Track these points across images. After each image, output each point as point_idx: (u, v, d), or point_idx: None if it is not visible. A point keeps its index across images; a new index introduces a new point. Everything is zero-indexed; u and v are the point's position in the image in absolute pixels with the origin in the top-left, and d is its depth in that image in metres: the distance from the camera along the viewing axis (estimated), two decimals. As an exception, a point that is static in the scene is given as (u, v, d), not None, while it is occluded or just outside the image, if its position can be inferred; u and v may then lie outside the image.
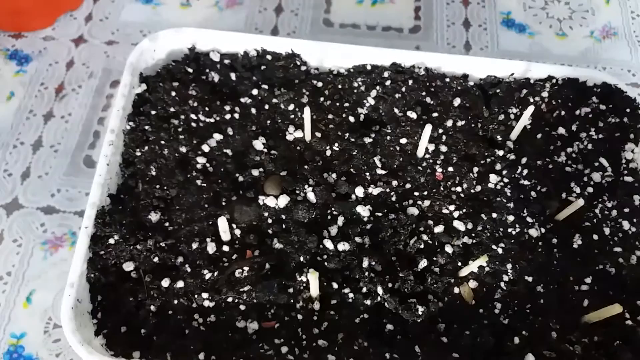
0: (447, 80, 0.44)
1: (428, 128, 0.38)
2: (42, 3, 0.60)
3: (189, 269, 0.34)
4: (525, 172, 0.41)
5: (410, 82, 0.43)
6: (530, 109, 0.40)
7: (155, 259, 0.34)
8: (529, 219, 0.39)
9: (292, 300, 0.34)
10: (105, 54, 0.61)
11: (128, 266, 0.34)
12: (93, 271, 0.33)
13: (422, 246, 0.36)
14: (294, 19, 0.63)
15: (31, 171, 0.53)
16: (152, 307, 0.33)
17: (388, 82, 0.43)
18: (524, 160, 0.41)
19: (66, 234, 0.50)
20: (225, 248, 0.35)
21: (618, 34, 0.64)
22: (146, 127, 0.38)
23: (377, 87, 0.43)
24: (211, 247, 0.35)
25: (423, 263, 0.36)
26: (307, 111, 0.37)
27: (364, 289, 0.34)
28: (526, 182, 0.40)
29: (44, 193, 0.51)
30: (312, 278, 0.32)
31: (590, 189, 0.40)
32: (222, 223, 0.33)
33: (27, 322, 0.46)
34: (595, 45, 0.63)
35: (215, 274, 0.34)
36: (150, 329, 0.32)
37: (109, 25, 0.63)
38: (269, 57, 0.43)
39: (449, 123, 0.42)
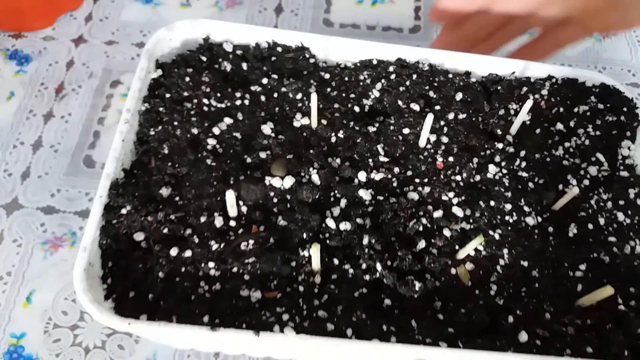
0: (450, 76, 0.46)
1: (430, 117, 0.39)
2: (42, 3, 0.60)
3: (196, 240, 0.35)
4: (523, 164, 0.42)
5: (415, 76, 0.45)
6: (529, 102, 0.41)
7: (165, 230, 0.35)
8: (526, 208, 0.40)
9: (294, 273, 0.35)
10: (105, 54, 0.60)
11: (138, 236, 0.35)
12: (105, 238, 0.34)
13: (420, 229, 0.38)
14: (294, 19, 0.64)
15: (31, 171, 0.52)
16: (160, 274, 0.34)
17: (393, 76, 0.45)
18: (522, 153, 0.43)
19: (66, 234, 0.50)
20: (232, 223, 0.36)
21: (618, 34, 0.65)
22: (160, 109, 0.40)
23: (382, 80, 0.45)
24: (219, 221, 0.36)
25: (422, 244, 0.37)
26: (313, 97, 0.39)
27: (364, 265, 0.36)
28: (524, 174, 0.42)
29: (44, 193, 0.51)
30: (314, 251, 0.33)
31: (586, 182, 0.42)
32: (230, 196, 0.35)
33: (27, 322, 0.46)
34: (595, 45, 0.64)
35: (222, 245, 0.35)
36: (157, 294, 0.33)
37: (109, 25, 0.62)
38: (279, 49, 0.45)
39: (451, 116, 0.44)
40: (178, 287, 0.34)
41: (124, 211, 0.35)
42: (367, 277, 0.35)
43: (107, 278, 0.34)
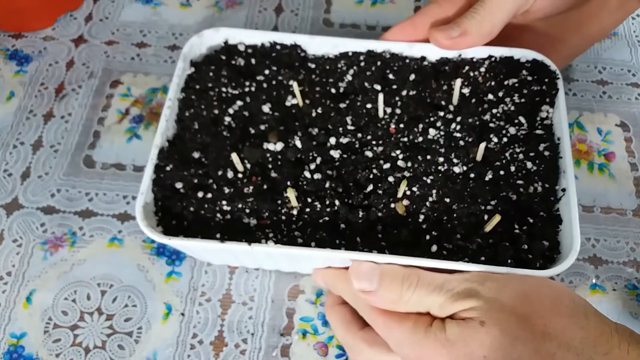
0: (407, 61, 0.59)
1: (380, 96, 0.54)
2: (42, 3, 0.59)
3: (215, 187, 0.52)
4: (458, 127, 0.55)
5: (379, 63, 0.59)
6: (459, 80, 0.55)
7: (195, 180, 0.53)
8: (455, 160, 0.54)
9: (279, 208, 0.51)
10: (105, 54, 0.61)
11: (178, 185, 0.53)
12: (155, 187, 0.52)
13: (371, 177, 0.53)
14: (294, 19, 0.67)
15: (31, 171, 0.53)
16: (191, 209, 0.51)
17: (362, 64, 0.59)
18: (458, 119, 0.56)
19: (66, 234, 0.51)
20: (239, 175, 0.53)
21: (618, 34, 0.68)
22: (192, 97, 0.57)
23: (354, 68, 0.59)
24: (230, 174, 0.53)
25: (370, 187, 0.52)
26: (295, 85, 0.55)
27: (327, 202, 0.51)
28: (457, 135, 0.55)
29: (44, 193, 0.52)
30: (290, 192, 0.50)
31: (505, 139, 0.55)
32: (235, 157, 0.51)
33: (27, 322, 0.47)
34: (596, 45, 0.67)
35: (232, 190, 0.52)
36: (189, 222, 0.51)
37: (109, 25, 0.63)
38: (278, 47, 0.61)
39: (404, 92, 0.58)
40: (202, 218, 0.51)
41: (167, 169, 0.53)
42: (328, 210, 0.51)
43: (158, 212, 0.52)
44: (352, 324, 0.49)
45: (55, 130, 0.56)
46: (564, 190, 0.51)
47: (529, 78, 0.58)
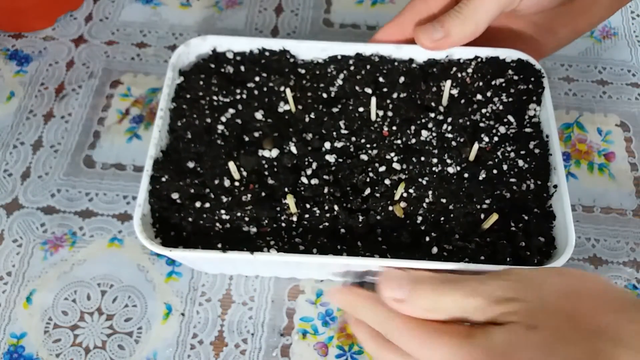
0: (396, 63, 0.60)
1: (373, 100, 0.54)
2: (42, 3, 0.60)
3: (212, 196, 0.52)
4: (449, 128, 0.56)
5: (368, 66, 0.60)
6: (449, 81, 0.55)
7: (192, 190, 0.52)
8: (448, 161, 0.55)
9: (279, 215, 0.51)
10: (105, 54, 0.61)
11: (174, 195, 0.52)
12: (152, 198, 0.51)
13: (368, 180, 0.53)
14: (294, 19, 0.67)
15: (31, 171, 0.53)
16: (190, 220, 0.51)
17: (352, 68, 0.60)
18: (449, 119, 0.57)
19: (66, 234, 0.51)
20: (236, 183, 0.53)
21: (618, 34, 0.68)
22: (184, 106, 0.57)
23: (344, 72, 0.59)
24: (227, 183, 0.53)
25: (367, 191, 0.53)
26: (288, 91, 0.55)
27: (326, 207, 0.52)
28: (449, 135, 0.56)
29: (44, 193, 0.52)
30: (290, 199, 0.50)
31: (496, 138, 0.56)
32: (232, 165, 0.51)
33: (27, 322, 0.47)
34: (596, 45, 0.68)
35: (230, 199, 0.52)
36: (188, 233, 0.51)
37: (109, 25, 0.63)
38: (267, 53, 0.61)
39: (395, 95, 0.58)
40: (202, 228, 0.51)
41: (163, 179, 0.52)
42: (328, 215, 0.51)
43: (156, 224, 0.51)
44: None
45: (55, 130, 0.56)
46: (555, 186, 0.53)
47: (515, 77, 0.59)
